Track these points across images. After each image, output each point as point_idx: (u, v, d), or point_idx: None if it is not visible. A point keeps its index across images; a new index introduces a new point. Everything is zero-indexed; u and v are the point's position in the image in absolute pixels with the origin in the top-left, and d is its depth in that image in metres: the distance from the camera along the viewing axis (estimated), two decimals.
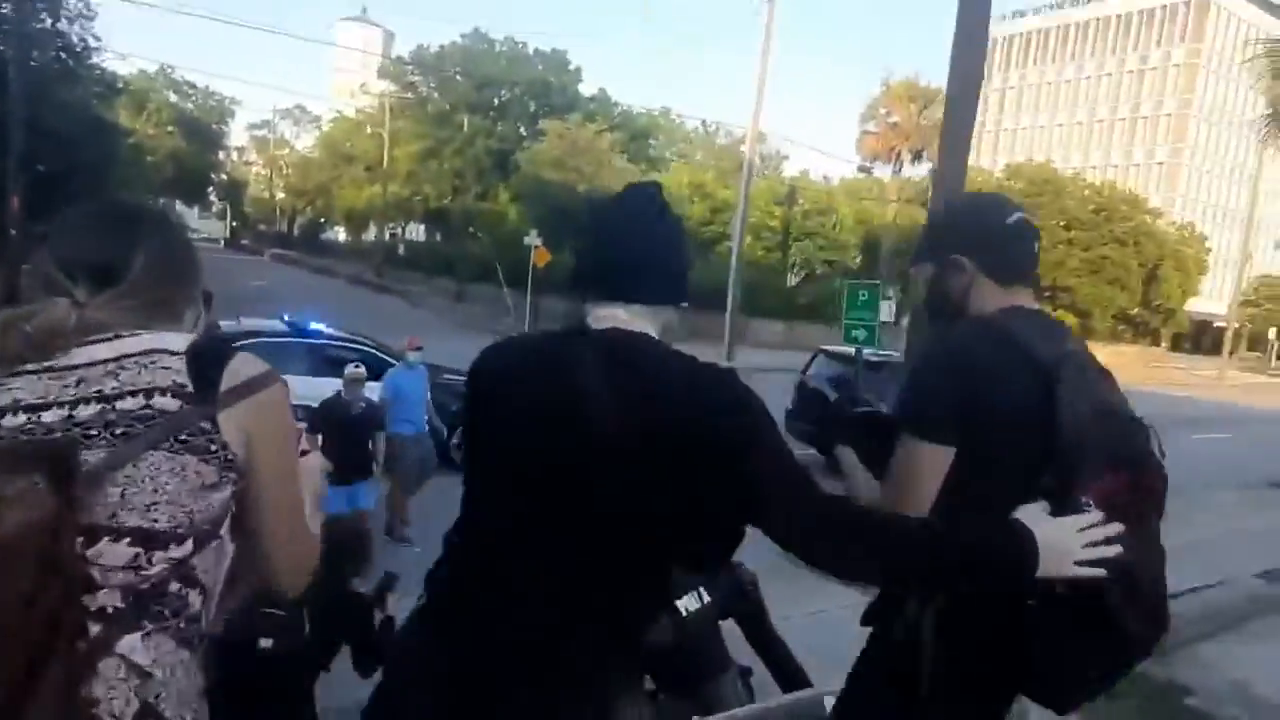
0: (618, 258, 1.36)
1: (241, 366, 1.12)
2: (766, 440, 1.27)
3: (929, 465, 1.44)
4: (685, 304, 1.42)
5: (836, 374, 10.19)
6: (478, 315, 24.10)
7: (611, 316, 1.34)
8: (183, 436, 1.06)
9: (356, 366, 6.30)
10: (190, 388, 1.07)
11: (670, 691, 2.84)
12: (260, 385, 1.12)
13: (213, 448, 1.07)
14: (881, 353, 8.50)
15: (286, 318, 8.95)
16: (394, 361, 8.58)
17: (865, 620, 1.65)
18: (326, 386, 7.69)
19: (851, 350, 8.71)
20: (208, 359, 1.11)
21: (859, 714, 1.65)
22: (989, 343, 1.47)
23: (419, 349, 6.89)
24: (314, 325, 8.79)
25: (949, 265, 1.60)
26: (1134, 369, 28.43)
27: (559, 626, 1.26)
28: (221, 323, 7.58)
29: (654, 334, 1.37)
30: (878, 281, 7.10)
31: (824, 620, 5.29)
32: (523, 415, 1.30)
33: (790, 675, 3.35)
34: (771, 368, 17.79)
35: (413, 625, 1.42)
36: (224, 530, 1.12)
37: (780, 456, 1.27)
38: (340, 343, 8.85)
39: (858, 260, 32.61)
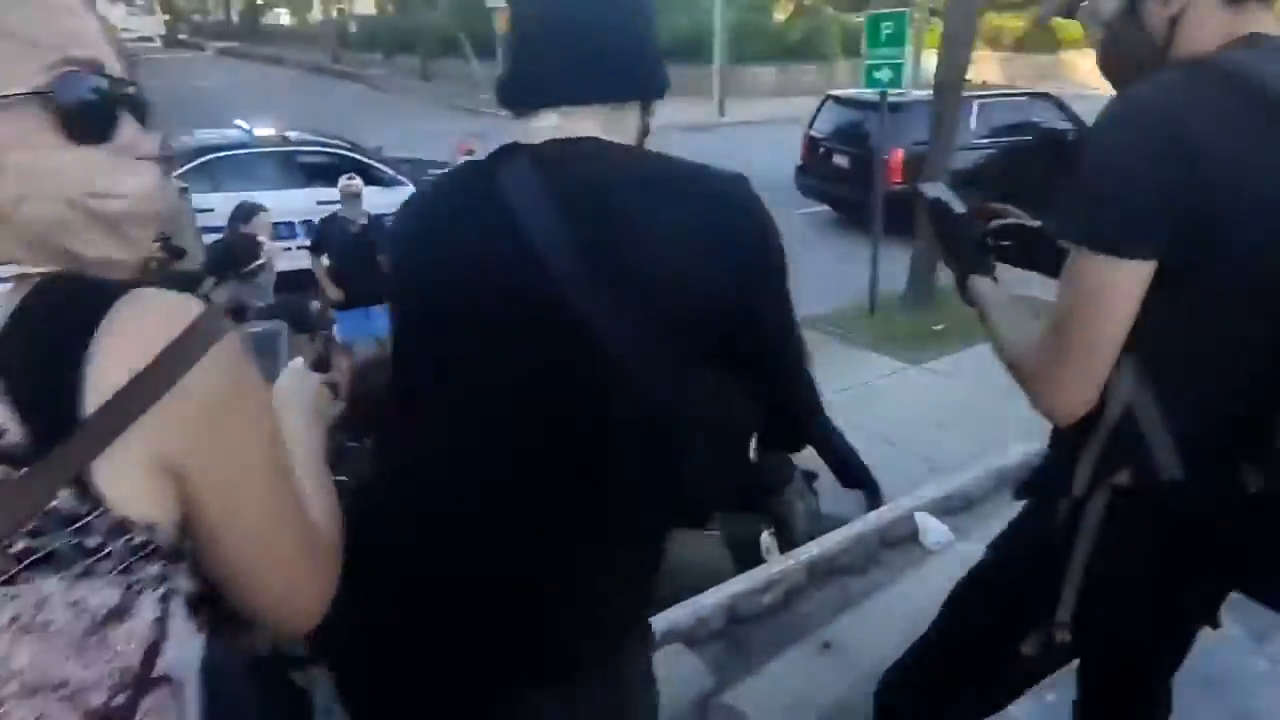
0: (547, 45, 0.92)
1: (137, 333, 0.53)
2: (775, 301, 0.95)
3: (1117, 289, 1.00)
4: (659, 99, 0.98)
5: (852, 121, 9.29)
6: (450, 93, 22.47)
7: (544, 129, 0.92)
8: (23, 541, 0.50)
9: (350, 179, 5.60)
10: (19, 418, 0.50)
11: (739, 509, 2.69)
12: (189, 353, 0.54)
13: (90, 544, 0.52)
14: (897, 91, 7.66)
15: (245, 125, 8.10)
16: (369, 161, 7.88)
17: (1020, 493, 1.32)
18: (300, 200, 7.14)
19: (863, 93, 7.92)
20: (50, 337, 0.51)
21: (992, 599, 1.36)
22: (1217, 98, 0.96)
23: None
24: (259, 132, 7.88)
25: None
26: None
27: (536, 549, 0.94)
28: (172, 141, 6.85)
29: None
30: (904, 10, 6.06)
31: (859, 395, 5.21)
32: (441, 284, 0.95)
33: (849, 469, 3.21)
34: (767, 119, 16.76)
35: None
36: (161, 668, 0.59)
37: (787, 326, 0.97)
38: (312, 147, 8.02)
39: None
